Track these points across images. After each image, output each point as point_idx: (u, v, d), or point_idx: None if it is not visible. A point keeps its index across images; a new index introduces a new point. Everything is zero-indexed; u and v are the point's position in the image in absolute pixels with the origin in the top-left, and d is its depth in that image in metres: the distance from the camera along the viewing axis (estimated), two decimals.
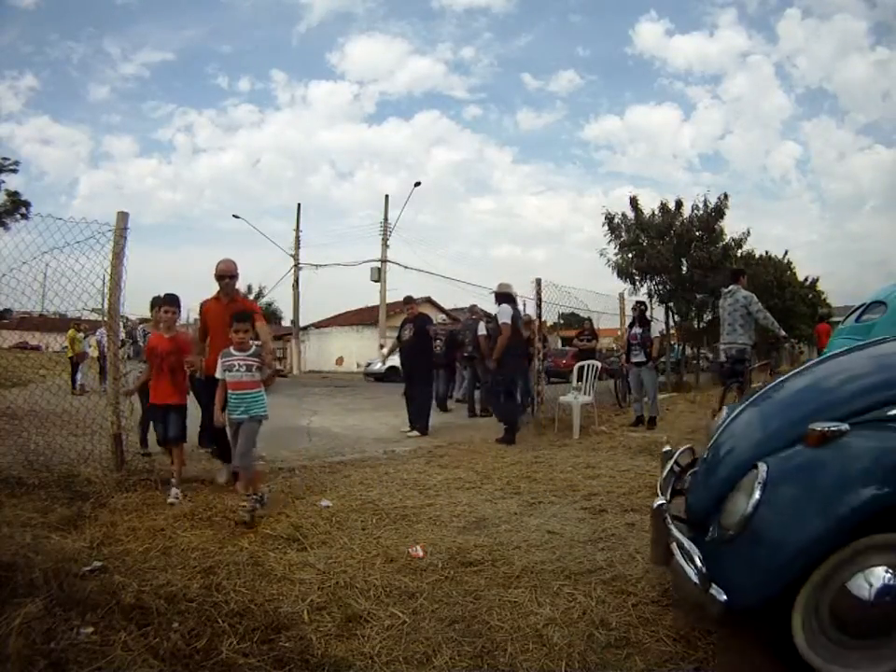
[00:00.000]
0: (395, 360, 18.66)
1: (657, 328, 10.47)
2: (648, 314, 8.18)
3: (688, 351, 14.77)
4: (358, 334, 26.11)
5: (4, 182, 21.99)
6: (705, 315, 13.90)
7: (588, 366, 6.94)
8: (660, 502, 1.94)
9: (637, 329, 7.01)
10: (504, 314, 5.94)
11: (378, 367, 19.03)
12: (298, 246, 25.54)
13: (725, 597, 1.54)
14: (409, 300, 7.28)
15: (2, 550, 2.39)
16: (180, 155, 67.88)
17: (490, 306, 8.44)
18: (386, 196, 24.66)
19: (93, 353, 10.86)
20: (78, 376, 10.52)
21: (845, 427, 1.65)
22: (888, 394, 1.72)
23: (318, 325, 29.43)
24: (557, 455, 5.10)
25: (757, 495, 1.61)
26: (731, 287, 6.08)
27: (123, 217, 3.82)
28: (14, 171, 23.14)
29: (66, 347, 10.51)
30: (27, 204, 21.91)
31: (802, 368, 2.34)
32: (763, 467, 1.67)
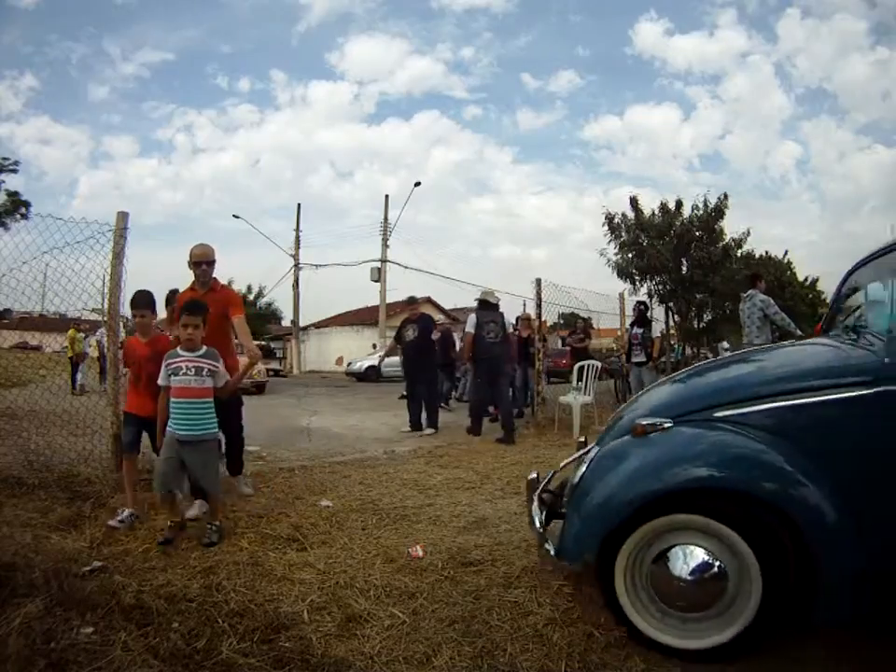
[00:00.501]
0: (374, 360, 19.25)
1: (657, 328, 10.47)
2: (648, 314, 8.19)
3: (688, 351, 14.76)
4: (358, 334, 26.13)
5: (4, 182, 21.98)
6: (705, 315, 13.90)
7: (588, 366, 6.94)
8: (532, 475, 2.40)
9: (637, 329, 7.01)
10: (469, 323, 6.32)
11: (357, 366, 19.25)
12: (298, 246, 25.58)
13: (553, 552, 1.97)
14: (412, 300, 7.34)
15: (2, 550, 2.39)
16: (180, 155, 67.90)
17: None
18: (386, 196, 24.73)
19: (93, 353, 10.86)
20: (78, 376, 10.53)
21: (668, 423, 1.92)
22: (717, 398, 1.97)
23: (318, 325, 29.45)
24: (557, 455, 5.08)
25: (581, 470, 2.03)
26: (749, 292, 6.33)
27: (123, 216, 3.82)
28: (14, 171, 23.10)
29: (66, 347, 10.52)
30: (27, 204, 21.89)
31: (680, 373, 2.66)
32: (595, 449, 2.13)
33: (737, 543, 1.72)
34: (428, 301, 24.03)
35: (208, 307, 2.96)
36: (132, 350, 3.21)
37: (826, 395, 1.78)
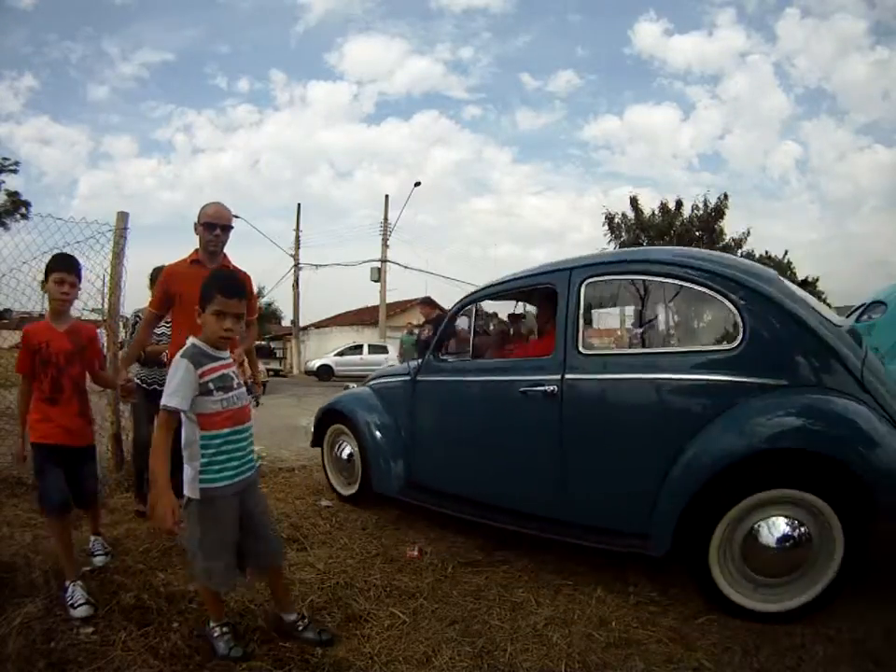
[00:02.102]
0: (328, 359, 19.96)
1: None
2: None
3: None
4: (358, 334, 26.10)
5: (4, 182, 22.00)
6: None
7: None
8: None
9: (638, 329, 7.02)
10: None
11: (312, 364, 19.81)
12: (298, 246, 25.54)
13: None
14: (427, 301, 7.45)
15: (2, 550, 2.39)
16: (179, 155, 67.94)
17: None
18: (386, 196, 24.65)
19: None
20: None
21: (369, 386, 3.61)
22: (379, 370, 3.42)
23: (318, 325, 29.43)
24: None
25: None
26: None
27: (123, 217, 3.82)
28: (14, 171, 23.12)
29: None
30: (27, 204, 21.90)
31: None
32: None
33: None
34: (428, 300, 24.00)
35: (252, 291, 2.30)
36: (39, 341, 2.18)
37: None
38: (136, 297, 4.59)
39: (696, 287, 2.19)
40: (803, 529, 1.91)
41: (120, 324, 3.96)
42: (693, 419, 2.07)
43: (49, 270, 2.22)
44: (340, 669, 1.71)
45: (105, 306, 3.91)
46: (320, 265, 25.62)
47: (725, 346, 2.10)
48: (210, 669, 1.69)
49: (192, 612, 1.98)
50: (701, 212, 12.82)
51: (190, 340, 1.75)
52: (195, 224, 2.52)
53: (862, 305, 4.85)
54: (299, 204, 27.84)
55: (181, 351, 1.72)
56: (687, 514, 1.99)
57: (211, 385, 1.70)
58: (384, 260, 23.25)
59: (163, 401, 1.66)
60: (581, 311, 2.39)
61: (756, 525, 1.95)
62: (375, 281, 23.32)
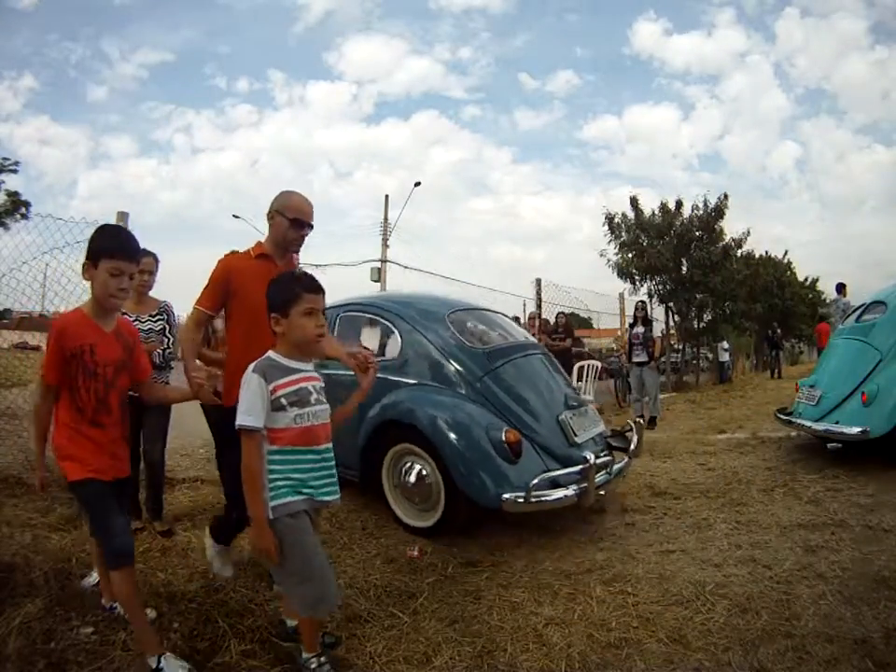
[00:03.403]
0: None
1: (658, 328, 10.47)
2: (647, 313, 8.17)
3: (687, 351, 14.76)
4: None
5: (4, 182, 21.96)
6: (705, 315, 13.88)
7: (588, 366, 6.94)
8: None
9: (639, 329, 7.00)
10: None
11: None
12: None
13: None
14: None
15: (2, 550, 2.39)
16: (179, 155, 68.18)
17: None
18: (386, 196, 24.58)
19: None
20: None
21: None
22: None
23: None
24: None
25: None
26: (835, 297, 8.11)
27: (123, 217, 3.81)
28: (14, 171, 23.05)
29: None
30: (27, 204, 21.86)
31: None
32: None
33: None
34: None
35: None
36: (80, 344, 1.66)
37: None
38: None
39: (383, 321, 3.37)
40: (424, 471, 2.88)
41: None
42: (374, 401, 3.01)
43: (101, 253, 1.64)
44: (340, 669, 1.71)
45: None
46: (320, 265, 25.60)
47: (392, 357, 3.19)
48: (210, 669, 1.69)
49: (192, 612, 1.98)
50: (701, 212, 12.77)
51: (268, 353, 1.60)
52: (271, 213, 2.15)
53: (862, 305, 4.85)
54: None
55: (253, 365, 1.58)
56: (364, 456, 3.09)
57: (283, 401, 1.55)
58: (384, 260, 23.22)
59: (239, 421, 1.52)
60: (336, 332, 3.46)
61: (403, 467, 2.98)
62: (375, 281, 23.28)
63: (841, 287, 8.00)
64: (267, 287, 1.65)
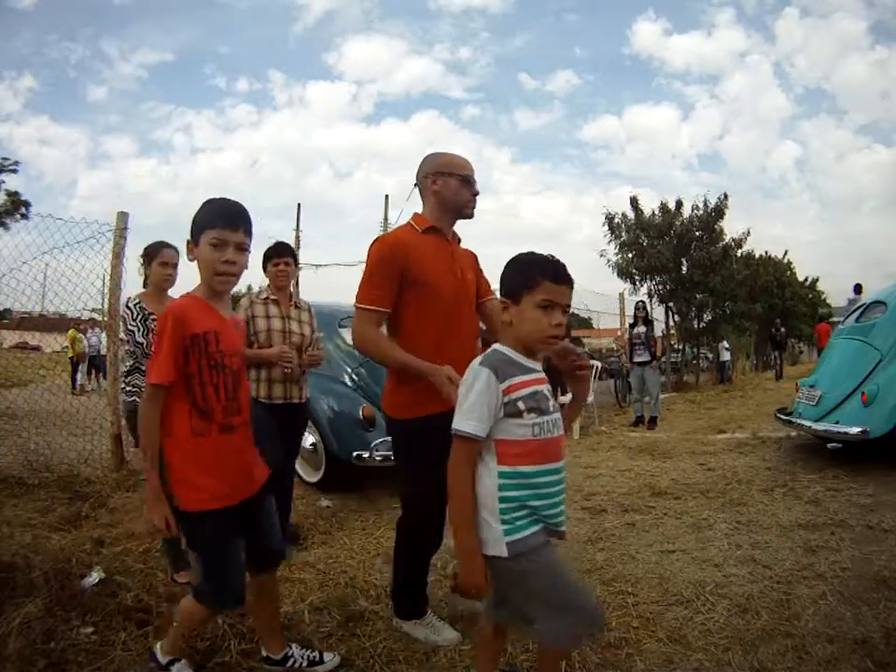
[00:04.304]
0: None
1: (658, 328, 10.48)
2: (648, 314, 8.17)
3: (687, 351, 14.76)
4: None
5: (4, 182, 21.95)
6: (705, 315, 13.88)
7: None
8: None
9: (640, 329, 7.00)
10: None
11: None
12: (298, 246, 25.47)
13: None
14: None
15: (2, 550, 2.39)
16: (179, 155, 68.20)
17: None
18: (386, 196, 24.39)
19: (77, 351, 10.81)
20: (78, 376, 10.53)
21: None
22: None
23: None
24: None
25: None
26: (854, 297, 7.63)
27: (123, 217, 3.82)
28: (14, 171, 23.04)
29: (67, 347, 10.52)
30: (27, 204, 21.86)
31: None
32: None
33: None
34: None
35: None
36: (203, 330, 1.42)
37: None
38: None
39: None
40: (314, 439, 3.64)
41: (121, 324, 3.96)
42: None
43: (202, 226, 1.45)
44: (340, 669, 1.71)
45: (105, 306, 3.92)
46: (320, 265, 25.60)
47: None
48: (210, 669, 1.69)
49: None
50: (701, 212, 12.77)
51: (496, 346, 1.33)
52: (428, 177, 1.80)
53: (863, 305, 4.85)
54: (299, 204, 27.61)
55: (480, 358, 1.29)
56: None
57: (521, 405, 1.26)
58: None
59: (456, 425, 1.25)
60: None
61: (305, 440, 3.41)
62: None
63: (859, 288, 8.07)
64: (505, 266, 1.36)
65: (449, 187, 1.78)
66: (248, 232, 1.48)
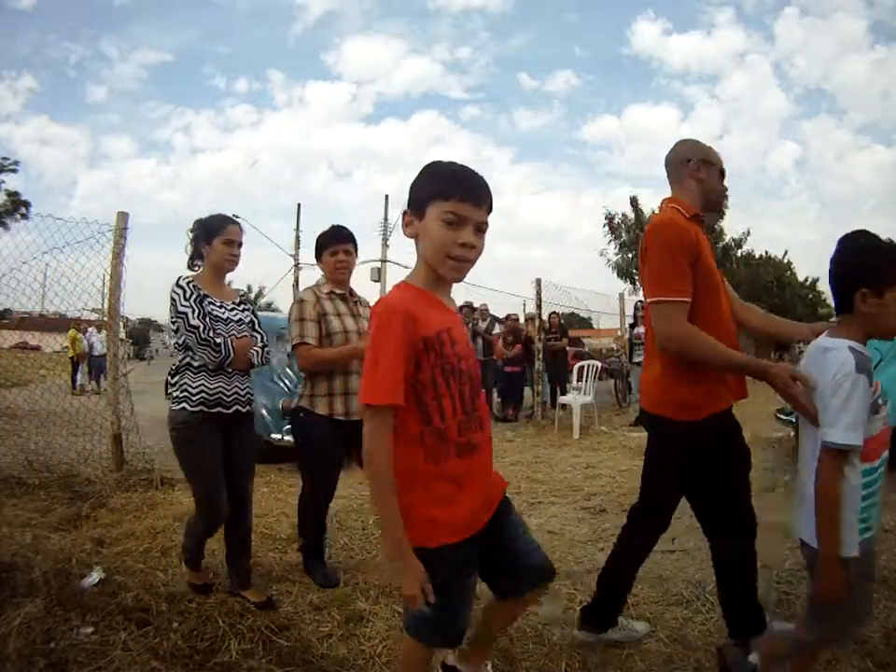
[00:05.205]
0: None
1: None
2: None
3: None
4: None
5: (4, 182, 21.95)
6: None
7: (588, 366, 6.95)
8: None
9: (640, 329, 7.00)
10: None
11: None
12: (298, 246, 25.47)
13: None
14: (467, 306, 7.67)
15: (2, 550, 2.39)
16: (178, 155, 68.22)
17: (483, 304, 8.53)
18: (386, 196, 24.57)
19: (77, 350, 10.82)
20: (78, 376, 10.54)
21: None
22: None
23: None
24: (557, 455, 5.10)
25: None
26: None
27: (123, 217, 3.82)
28: (14, 171, 23.05)
29: (67, 347, 10.52)
30: (27, 204, 21.87)
31: None
32: None
33: None
34: None
35: None
36: (436, 331, 1.14)
37: None
38: (137, 297, 4.59)
39: None
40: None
41: (121, 324, 3.96)
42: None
43: (431, 195, 1.13)
44: (340, 669, 1.71)
45: (105, 306, 3.92)
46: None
47: None
48: (210, 670, 1.69)
49: (192, 612, 1.98)
50: None
51: (846, 342, 1.24)
52: (692, 162, 1.67)
53: None
54: (299, 204, 27.71)
55: (854, 362, 1.20)
56: None
57: (880, 400, 1.24)
58: (384, 260, 23.23)
59: (836, 438, 1.16)
60: None
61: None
62: (375, 281, 23.27)
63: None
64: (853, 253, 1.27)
65: (713, 176, 1.69)
66: (490, 209, 1.18)
